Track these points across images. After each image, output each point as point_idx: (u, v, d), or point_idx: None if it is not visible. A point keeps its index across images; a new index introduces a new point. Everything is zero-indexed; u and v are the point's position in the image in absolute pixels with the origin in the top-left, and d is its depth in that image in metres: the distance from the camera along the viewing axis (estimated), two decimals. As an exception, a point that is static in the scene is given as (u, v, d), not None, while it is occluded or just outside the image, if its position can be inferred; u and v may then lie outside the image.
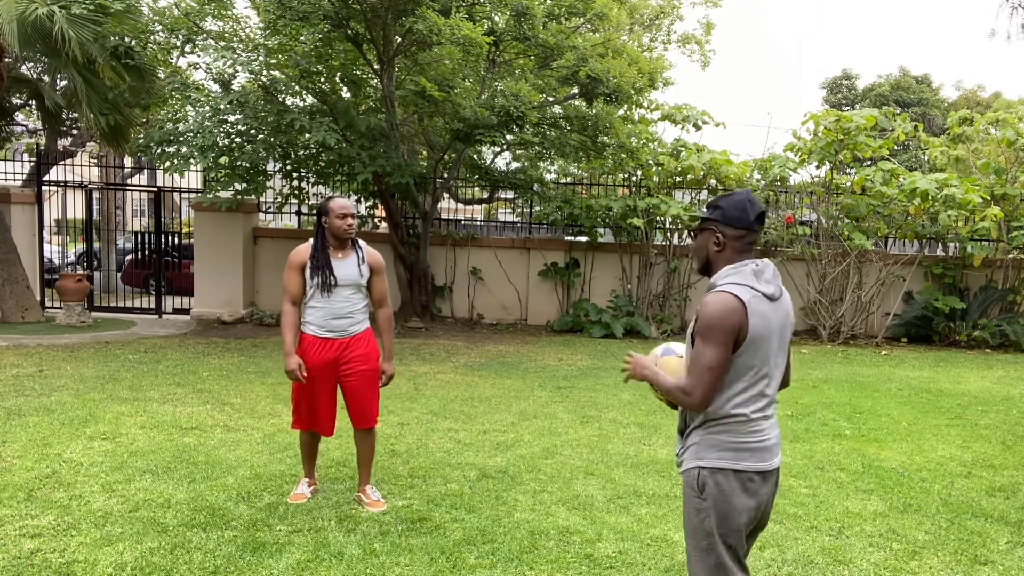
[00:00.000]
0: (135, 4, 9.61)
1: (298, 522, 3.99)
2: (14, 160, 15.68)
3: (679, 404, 2.44)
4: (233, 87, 9.88)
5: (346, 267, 4.11)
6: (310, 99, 10.90)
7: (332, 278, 4.05)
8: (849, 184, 11.35)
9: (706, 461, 2.40)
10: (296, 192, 11.18)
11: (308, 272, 4.06)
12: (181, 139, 9.31)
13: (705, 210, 2.51)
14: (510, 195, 14.28)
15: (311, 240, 4.16)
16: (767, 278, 2.41)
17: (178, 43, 10.26)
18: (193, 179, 11.65)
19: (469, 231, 12.77)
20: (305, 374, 4.07)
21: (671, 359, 2.59)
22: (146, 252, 13.50)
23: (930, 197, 10.43)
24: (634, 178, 11.90)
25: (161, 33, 10.39)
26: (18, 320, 10.63)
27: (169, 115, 12.64)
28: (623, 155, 11.39)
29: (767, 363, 2.40)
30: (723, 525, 2.39)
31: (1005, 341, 10.69)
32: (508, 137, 11.09)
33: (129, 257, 15.68)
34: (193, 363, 8.18)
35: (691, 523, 2.44)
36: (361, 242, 4.22)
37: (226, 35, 10.59)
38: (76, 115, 11.64)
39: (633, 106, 11.76)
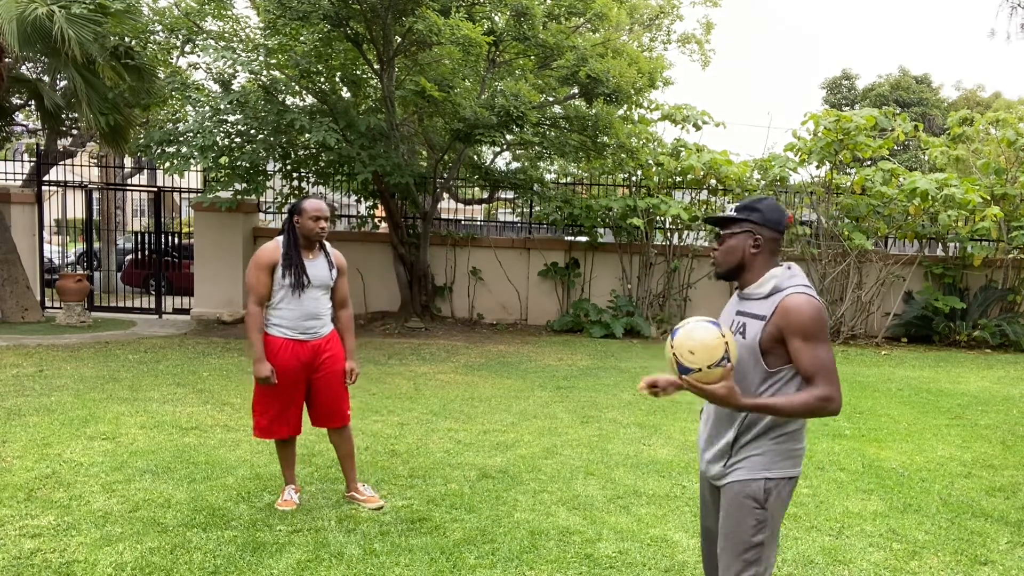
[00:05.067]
0: (135, 4, 9.61)
1: (298, 522, 3.99)
2: (14, 160, 15.67)
3: (815, 414, 2.24)
4: (233, 87, 9.88)
5: (317, 268, 4.08)
6: (310, 99, 10.90)
7: (305, 278, 4.01)
8: (849, 184, 11.35)
9: (774, 471, 2.34)
10: (296, 192, 11.18)
11: (280, 272, 3.99)
12: (181, 139, 9.32)
13: (734, 212, 2.45)
14: (510, 195, 14.28)
15: (277, 239, 4.07)
16: (807, 280, 2.42)
17: (178, 43, 10.26)
18: (193, 179, 11.64)
19: (469, 231, 12.77)
20: (276, 380, 4.00)
21: (715, 371, 2.24)
22: (146, 252, 13.50)
23: (930, 197, 10.43)
24: (634, 178, 11.91)
25: (161, 33, 10.39)
26: (18, 320, 10.63)
27: (169, 115, 12.67)
28: (623, 155, 11.39)
29: None
30: (773, 534, 2.36)
31: (1005, 341, 10.69)
32: (508, 137, 11.09)
33: (129, 257, 15.69)
34: (193, 363, 8.18)
35: (742, 536, 2.34)
36: (326, 243, 4.20)
37: (226, 35, 10.60)
38: (76, 115, 11.64)
39: (633, 106, 11.76)
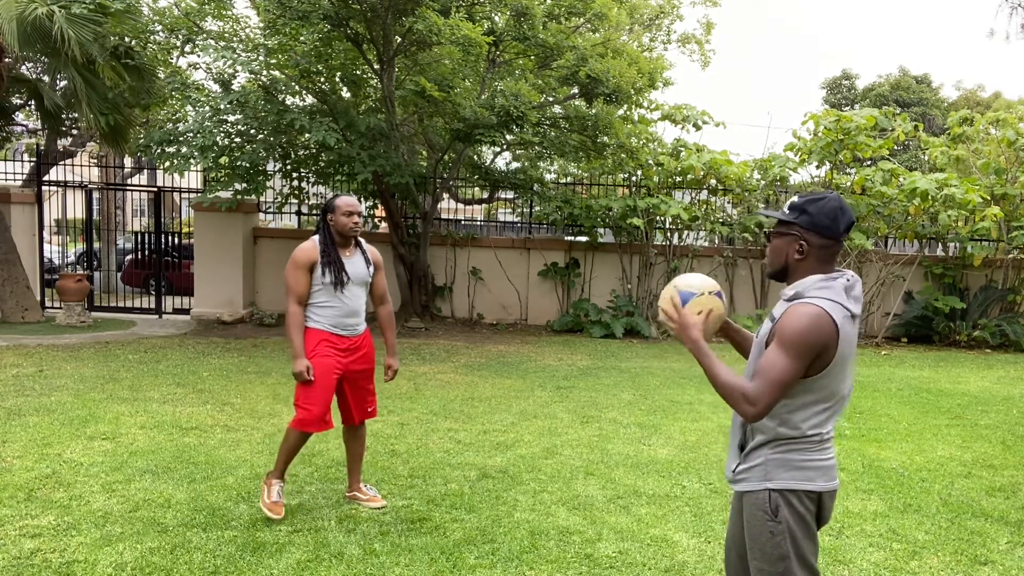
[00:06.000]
0: (135, 4, 9.61)
1: (298, 522, 3.99)
2: (14, 160, 15.67)
3: (732, 406, 2.23)
4: (233, 87, 9.89)
5: (355, 265, 4.11)
6: (310, 99, 10.91)
7: (345, 275, 4.04)
8: (849, 184, 11.35)
9: (776, 482, 2.28)
10: (296, 192, 11.18)
11: (320, 270, 4.01)
12: (181, 139, 9.32)
13: (786, 211, 2.30)
14: (510, 195, 14.29)
15: (313, 239, 4.10)
16: (855, 295, 2.25)
17: (178, 43, 10.26)
18: (193, 179, 11.64)
19: (469, 231, 12.78)
20: (312, 377, 3.96)
21: (701, 299, 2.37)
22: (146, 252, 13.50)
23: (930, 197, 10.43)
24: (634, 178, 11.90)
25: (161, 33, 10.39)
26: (18, 320, 10.63)
27: (169, 115, 12.67)
28: (623, 155, 11.39)
29: (846, 383, 2.29)
30: (799, 546, 2.29)
31: (1005, 341, 10.69)
32: (508, 137, 11.10)
33: (129, 257, 15.69)
34: (193, 363, 8.18)
35: (763, 546, 2.30)
36: (361, 240, 4.23)
37: (226, 35, 10.59)
38: (76, 115, 11.64)
39: (633, 106, 11.76)
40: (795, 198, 2.32)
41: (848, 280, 2.25)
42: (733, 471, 2.40)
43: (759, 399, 2.16)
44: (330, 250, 4.03)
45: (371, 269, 4.19)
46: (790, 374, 2.15)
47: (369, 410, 4.30)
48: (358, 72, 10.91)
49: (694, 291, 2.35)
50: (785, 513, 2.27)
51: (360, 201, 11.87)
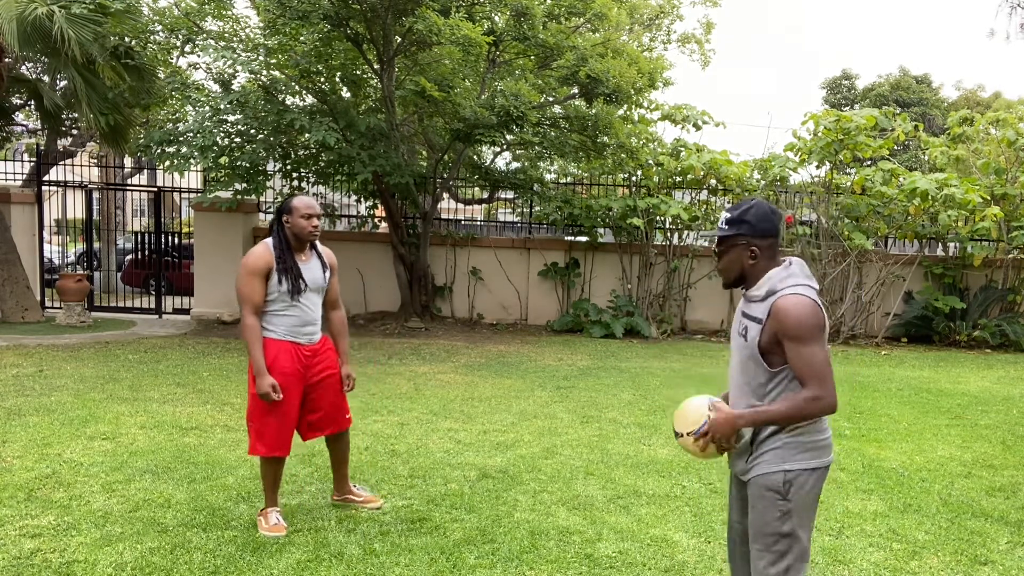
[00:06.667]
0: (135, 4, 9.61)
1: (298, 522, 3.99)
2: (14, 160, 15.68)
3: (808, 415, 2.38)
4: (233, 87, 9.89)
5: (311, 270, 3.88)
6: (310, 99, 10.91)
7: (302, 282, 3.80)
8: (849, 184, 11.35)
9: (792, 463, 2.42)
10: (296, 192, 11.18)
11: (275, 277, 3.76)
12: (181, 139, 9.32)
13: (725, 227, 2.52)
14: (510, 195, 14.29)
15: (265, 242, 3.83)
16: (808, 273, 2.48)
17: (178, 43, 10.27)
18: (193, 179, 11.63)
19: (469, 231, 12.78)
20: (279, 396, 3.73)
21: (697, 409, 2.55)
22: (146, 252, 13.50)
23: (930, 197, 10.43)
24: (634, 178, 11.90)
25: (161, 33, 10.39)
26: (18, 320, 10.63)
27: (169, 115, 12.68)
28: (623, 155, 11.39)
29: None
30: (803, 523, 2.43)
31: (1005, 341, 10.69)
32: (508, 137, 11.10)
33: (129, 257, 15.69)
34: (193, 363, 8.18)
35: (768, 527, 2.43)
36: (316, 243, 3.99)
37: (226, 35, 10.60)
38: (76, 115, 11.64)
39: (633, 106, 11.76)
40: (727, 213, 2.54)
41: (800, 266, 2.48)
42: (746, 461, 2.51)
43: (822, 392, 2.34)
44: (285, 255, 3.78)
45: (327, 274, 3.96)
46: (825, 355, 2.36)
47: (348, 417, 4.14)
48: (358, 72, 10.91)
49: (703, 421, 2.49)
50: (795, 493, 2.41)
51: (360, 201, 11.90)
